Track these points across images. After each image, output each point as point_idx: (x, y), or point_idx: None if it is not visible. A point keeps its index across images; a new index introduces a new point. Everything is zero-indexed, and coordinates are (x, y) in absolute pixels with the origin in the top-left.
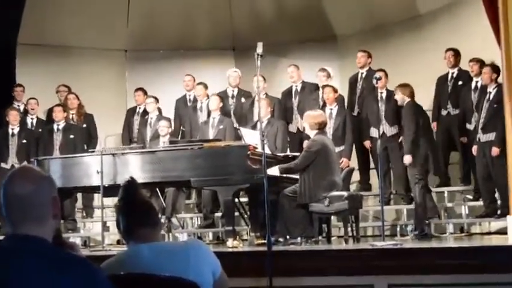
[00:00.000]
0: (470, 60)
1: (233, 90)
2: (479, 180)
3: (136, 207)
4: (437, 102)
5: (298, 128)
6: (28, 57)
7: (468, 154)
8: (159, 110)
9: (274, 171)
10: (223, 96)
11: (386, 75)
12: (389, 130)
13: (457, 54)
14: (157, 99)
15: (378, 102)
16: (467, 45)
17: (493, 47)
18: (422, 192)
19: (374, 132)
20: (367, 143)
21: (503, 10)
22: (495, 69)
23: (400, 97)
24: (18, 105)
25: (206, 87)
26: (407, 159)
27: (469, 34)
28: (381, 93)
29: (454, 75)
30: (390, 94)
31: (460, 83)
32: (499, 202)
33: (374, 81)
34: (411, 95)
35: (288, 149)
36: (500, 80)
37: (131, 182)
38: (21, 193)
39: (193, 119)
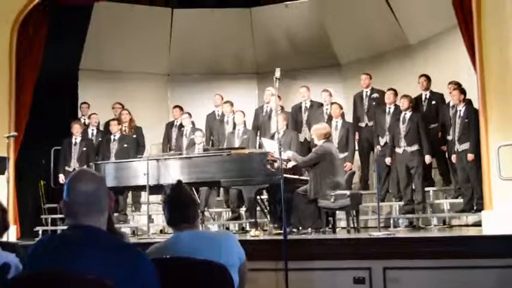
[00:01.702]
0: (449, 83)
1: (266, 106)
2: (460, 182)
3: (180, 203)
4: None
5: (305, 139)
6: (89, 80)
7: (449, 160)
8: (193, 123)
9: (286, 155)
10: (259, 111)
11: (396, 94)
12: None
13: (428, 79)
14: (190, 115)
15: (386, 115)
16: (447, 70)
17: (468, 72)
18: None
19: (381, 141)
20: (378, 148)
21: (479, 43)
22: (462, 91)
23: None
24: (84, 119)
25: (232, 104)
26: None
27: (449, 61)
28: (390, 108)
29: (427, 96)
30: (397, 109)
31: (433, 102)
32: (475, 200)
33: (373, 99)
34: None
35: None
36: (472, 98)
37: (178, 183)
38: (87, 190)
39: (221, 131)
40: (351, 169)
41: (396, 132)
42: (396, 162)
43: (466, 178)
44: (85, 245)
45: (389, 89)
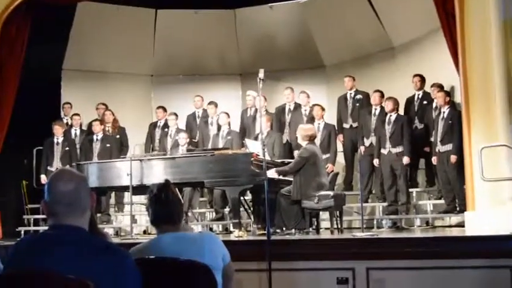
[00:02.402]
0: (432, 85)
1: (250, 110)
2: (441, 183)
3: (166, 203)
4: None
5: (287, 140)
6: (72, 81)
7: (431, 161)
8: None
9: (271, 173)
10: (244, 113)
11: (382, 95)
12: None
13: (422, 79)
14: (176, 115)
15: (372, 117)
16: (431, 72)
17: (452, 74)
18: None
19: (367, 142)
20: (362, 148)
21: (462, 45)
22: (447, 93)
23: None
24: (66, 119)
25: (216, 105)
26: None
27: (433, 63)
28: (376, 109)
29: (420, 96)
30: (383, 110)
31: (425, 102)
32: (457, 201)
33: (356, 100)
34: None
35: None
36: (455, 99)
37: (166, 182)
38: (67, 189)
39: (204, 132)
40: (332, 171)
41: (381, 134)
42: (381, 163)
43: (447, 179)
44: (65, 245)
45: (375, 91)
